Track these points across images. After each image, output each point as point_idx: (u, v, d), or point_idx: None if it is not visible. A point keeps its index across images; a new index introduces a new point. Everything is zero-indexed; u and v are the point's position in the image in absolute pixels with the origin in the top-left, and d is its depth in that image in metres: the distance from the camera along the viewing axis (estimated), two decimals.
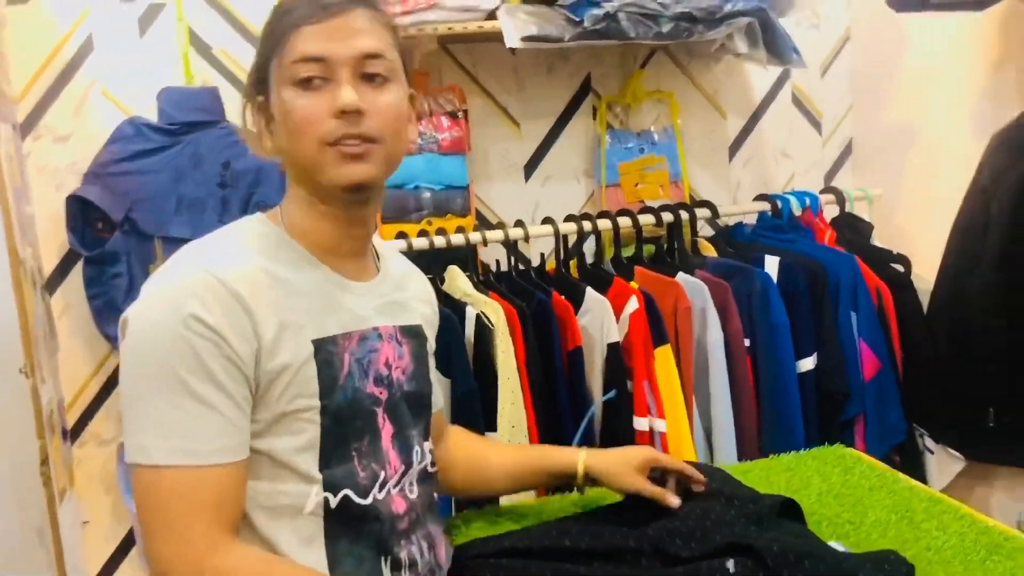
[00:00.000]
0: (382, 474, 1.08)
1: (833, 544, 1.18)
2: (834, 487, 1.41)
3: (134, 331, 0.99)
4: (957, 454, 2.27)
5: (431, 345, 1.23)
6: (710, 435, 2.11)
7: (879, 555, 1.13)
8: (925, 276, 2.29)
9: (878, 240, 2.40)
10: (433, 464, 1.19)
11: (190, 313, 0.96)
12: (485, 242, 2.14)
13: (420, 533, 1.13)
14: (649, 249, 2.30)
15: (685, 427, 2.06)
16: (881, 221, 2.45)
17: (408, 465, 1.13)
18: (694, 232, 2.33)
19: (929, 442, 2.30)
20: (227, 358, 0.97)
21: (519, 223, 2.21)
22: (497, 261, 2.23)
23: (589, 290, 2.06)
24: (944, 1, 1.95)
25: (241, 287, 0.99)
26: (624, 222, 2.21)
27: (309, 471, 1.03)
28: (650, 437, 2.02)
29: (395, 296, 1.17)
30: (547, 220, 2.20)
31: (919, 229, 2.41)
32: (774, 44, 2.19)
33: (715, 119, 2.58)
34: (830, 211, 2.42)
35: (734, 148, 2.61)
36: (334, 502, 1.04)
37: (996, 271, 2.08)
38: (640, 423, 2.03)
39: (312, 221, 1.09)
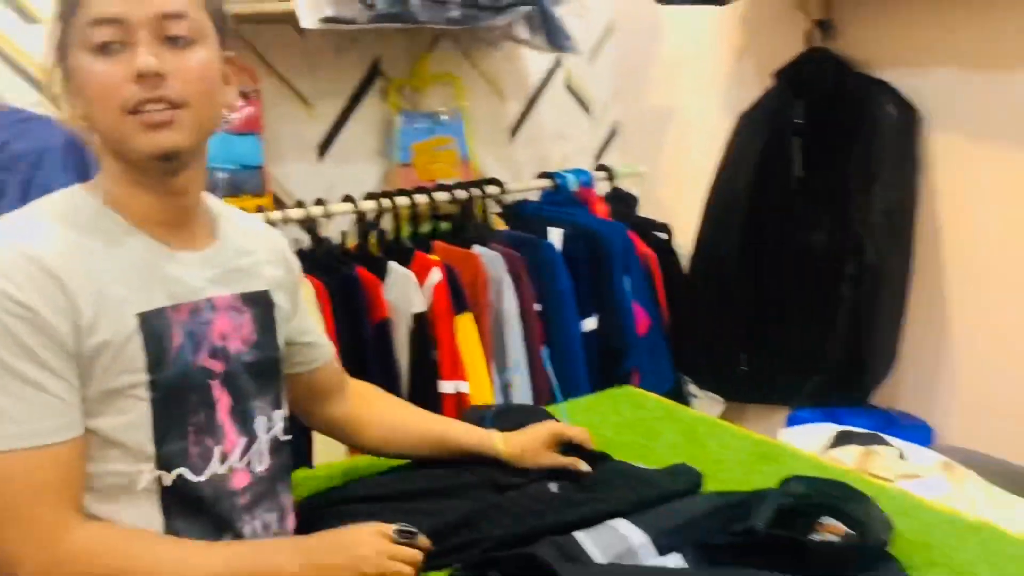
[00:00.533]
0: (217, 449, 1.05)
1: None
2: (628, 420, 1.61)
3: None
4: (717, 397, 2.59)
5: (284, 308, 1.18)
6: (508, 393, 2.27)
7: (674, 467, 1.34)
8: (684, 242, 2.58)
9: (644, 211, 2.66)
10: (286, 432, 1.16)
11: (1, 292, 0.93)
12: (286, 220, 2.18)
13: (267, 506, 1.11)
14: (444, 225, 2.43)
15: (486, 386, 2.21)
16: (646, 194, 2.73)
17: (251, 437, 1.10)
18: (484, 208, 2.48)
19: (693, 388, 2.61)
20: (46, 335, 0.94)
21: (319, 201, 2.26)
22: (296, 240, 2.27)
23: (393, 264, 2.16)
24: None
25: (53, 262, 0.96)
26: (421, 199, 2.32)
27: (141, 448, 1.00)
28: (455, 398, 2.16)
29: (237, 263, 1.12)
30: (347, 198, 2.27)
31: (679, 200, 2.70)
32: (550, 32, 2.38)
33: (496, 102, 2.74)
34: (602, 187, 2.66)
35: (514, 129, 2.79)
36: (168, 480, 1.02)
37: (743, 235, 2.40)
38: (445, 386, 2.16)
39: (128, 191, 1.04)
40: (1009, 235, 1.97)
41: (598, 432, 1.44)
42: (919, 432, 2.12)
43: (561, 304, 2.33)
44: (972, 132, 2.00)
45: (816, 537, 1.12)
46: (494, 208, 2.57)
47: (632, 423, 1.60)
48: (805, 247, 2.25)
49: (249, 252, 1.15)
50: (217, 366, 1.07)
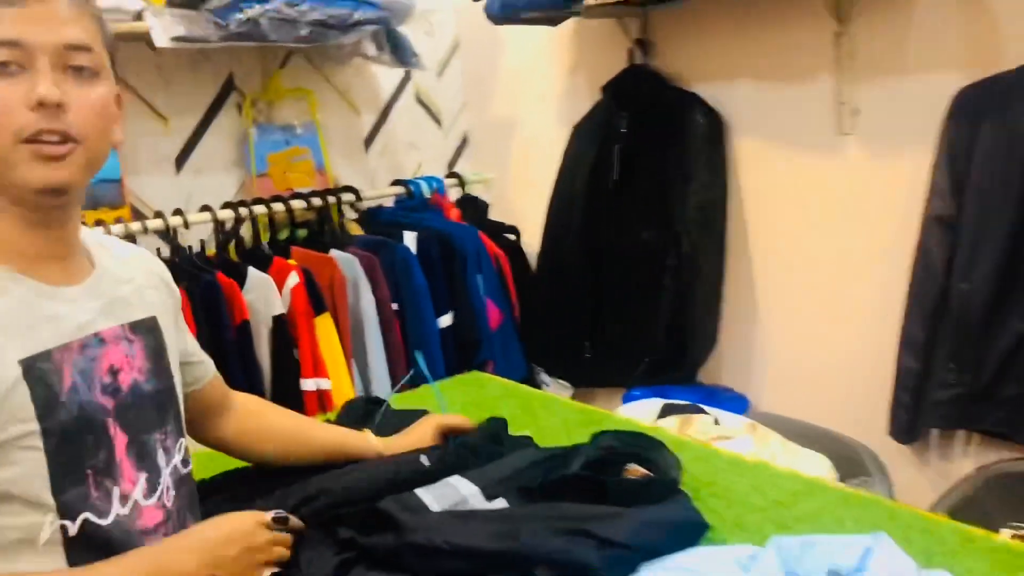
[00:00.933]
0: (116, 489, 1.01)
1: None
2: (473, 399, 1.79)
3: None
4: (566, 383, 2.80)
5: (171, 332, 1.15)
6: (368, 387, 2.42)
7: (516, 439, 1.52)
8: (531, 243, 2.79)
9: (494, 215, 2.86)
10: (186, 463, 1.14)
11: None
12: (146, 230, 2.26)
13: None
14: (302, 232, 2.55)
15: (347, 382, 2.35)
16: (495, 199, 2.93)
17: (152, 472, 1.06)
18: (341, 215, 2.62)
19: (544, 376, 2.82)
20: None
21: (178, 212, 2.35)
22: (159, 249, 2.35)
23: (251, 269, 2.27)
24: (528, 16, 2.42)
25: None
26: (278, 207, 2.45)
27: (39, 498, 0.94)
28: (316, 395, 2.29)
29: (118, 292, 1.08)
30: (205, 208, 2.37)
31: (525, 204, 2.91)
32: (397, 49, 2.55)
33: (350, 114, 2.89)
34: (454, 193, 2.84)
35: (369, 140, 2.95)
36: (73, 529, 0.96)
37: (581, 235, 2.62)
38: (307, 384, 2.29)
39: (3, 226, 0.98)
40: (802, 225, 2.26)
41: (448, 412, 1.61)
42: (736, 403, 2.39)
43: (417, 302, 2.50)
44: (769, 136, 2.29)
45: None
46: (351, 215, 2.72)
47: (477, 401, 1.78)
48: (634, 243, 2.49)
49: (128, 279, 1.11)
50: (110, 402, 1.02)
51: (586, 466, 1.32)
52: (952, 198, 1.89)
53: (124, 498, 1.02)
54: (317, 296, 2.32)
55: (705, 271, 2.37)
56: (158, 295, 1.16)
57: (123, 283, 1.10)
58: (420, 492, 1.27)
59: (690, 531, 1.18)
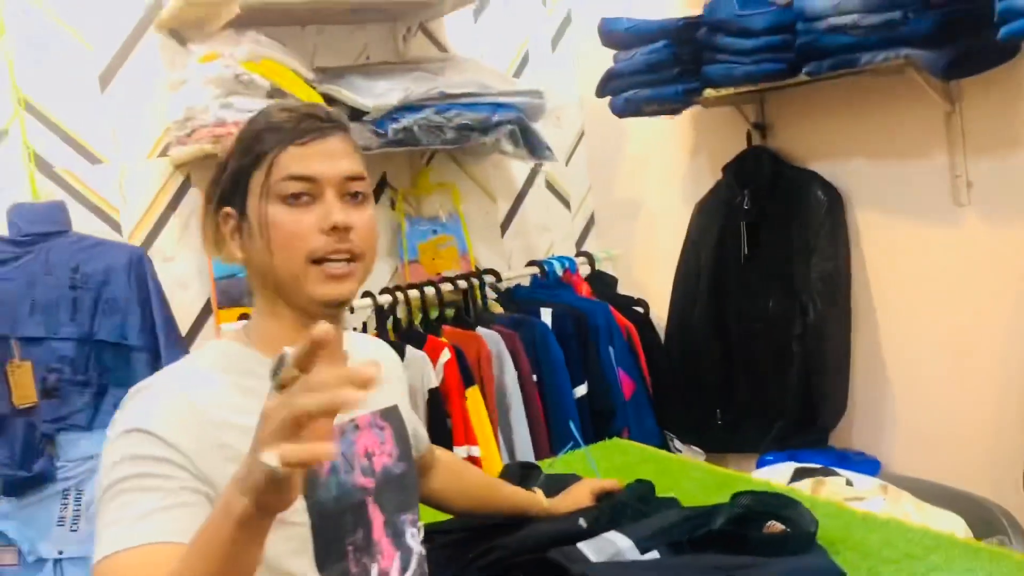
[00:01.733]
0: (375, 567, 1.09)
1: None
2: (615, 464, 1.96)
3: None
4: (698, 449, 2.92)
5: (410, 418, 1.26)
6: (513, 453, 2.61)
7: (662, 499, 1.67)
8: (659, 315, 2.96)
9: (622, 289, 3.05)
10: (422, 544, 1.21)
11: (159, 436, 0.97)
12: None
13: None
14: (449, 312, 2.80)
15: (494, 449, 2.55)
16: (623, 275, 3.12)
17: (405, 551, 1.15)
18: (484, 295, 2.86)
19: (677, 443, 2.95)
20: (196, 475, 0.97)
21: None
22: None
23: (409, 347, 2.52)
24: (649, 109, 2.63)
25: (203, 404, 1.01)
26: (429, 290, 2.70)
27: (304, 573, 1.03)
28: (468, 461, 2.50)
29: None
30: (367, 294, 2.64)
31: (651, 279, 3.09)
32: (531, 144, 2.81)
33: (488, 203, 3.15)
34: (584, 270, 3.05)
35: (505, 225, 3.20)
36: None
37: (708, 306, 2.78)
38: (459, 451, 2.50)
39: (283, 333, 1.08)
40: (924, 292, 2.35)
41: (592, 474, 1.78)
42: (868, 465, 2.46)
43: (554, 373, 2.69)
44: (886, 209, 2.41)
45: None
46: (491, 295, 2.95)
47: (619, 466, 1.94)
48: (760, 313, 2.62)
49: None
50: (369, 483, 1.11)
51: (728, 522, 1.47)
52: None
53: (384, 574, 1.11)
54: (467, 370, 2.55)
55: (832, 338, 2.48)
56: (398, 384, 1.29)
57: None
58: (581, 545, 1.44)
59: None
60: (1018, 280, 2.10)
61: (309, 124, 1.08)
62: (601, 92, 2.72)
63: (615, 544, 1.45)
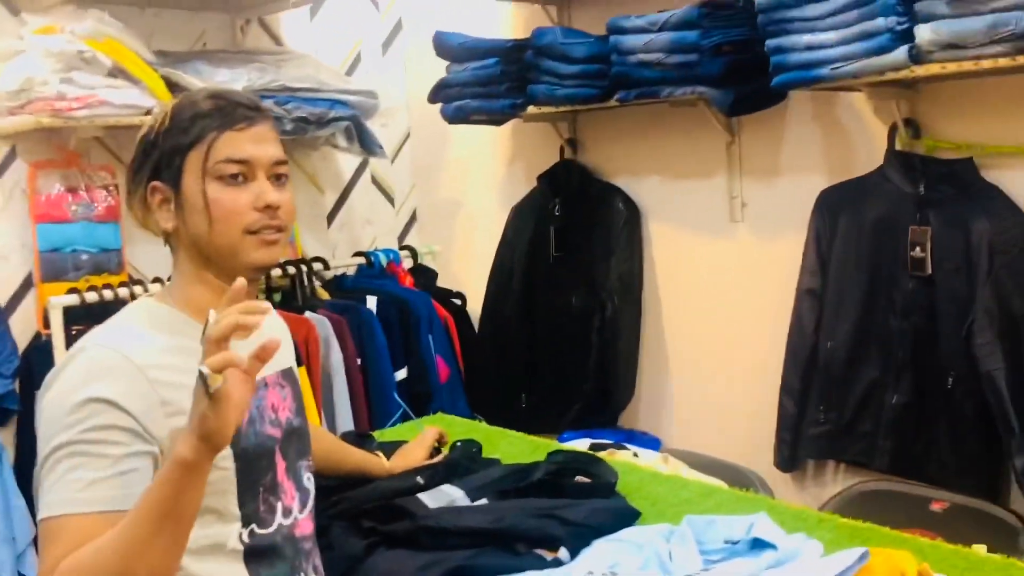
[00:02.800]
0: (279, 504, 1.27)
1: None
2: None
3: None
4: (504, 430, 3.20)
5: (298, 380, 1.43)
6: (335, 431, 2.78)
7: (487, 459, 1.92)
8: (475, 307, 3.22)
9: (442, 282, 3.29)
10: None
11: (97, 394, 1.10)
12: (140, 294, 2.60)
13: (316, 552, 1.37)
14: (276, 296, 2.92)
15: (317, 425, 2.71)
16: (443, 269, 3.36)
17: (303, 492, 1.34)
18: (311, 281, 3.01)
19: (484, 425, 3.21)
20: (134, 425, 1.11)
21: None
22: None
23: None
24: (477, 118, 2.89)
25: (142, 362, 1.14)
26: None
27: (228, 509, 1.19)
28: None
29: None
30: None
31: (468, 274, 3.35)
32: (365, 141, 2.99)
33: (316, 194, 3.29)
34: (407, 263, 3.26)
35: (331, 217, 3.35)
36: (247, 535, 1.21)
37: (519, 301, 3.07)
38: None
39: (207, 297, 1.21)
40: (703, 294, 2.76)
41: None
42: (652, 443, 2.83)
43: (378, 357, 2.89)
44: (675, 221, 2.79)
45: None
46: (318, 282, 3.10)
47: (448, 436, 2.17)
48: (565, 308, 2.94)
49: (274, 336, 1.25)
50: (277, 433, 1.28)
51: (546, 475, 1.73)
52: (819, 274, 2.41)
53: (287, 512, 1.29)
54: (295, 351, 2.69)
55: (625, 331, 2.84)
56: (289, 348, 1.44)
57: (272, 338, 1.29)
58: (421, 496, 1.66)
59: (628, 516, 1.61)
60: (780, 286, 2.52)
61: (243, 112, 1.23)
62: (433, 98, 2.94)
63: (449, 495, 1.68)
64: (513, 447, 2.07)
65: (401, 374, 2.96)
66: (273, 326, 1.40)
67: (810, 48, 2.05)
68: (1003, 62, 1.79)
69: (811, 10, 2.04)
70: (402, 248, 3.30)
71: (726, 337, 2.71)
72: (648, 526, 1.57)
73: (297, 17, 3.21)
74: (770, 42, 2.14)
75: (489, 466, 1.89)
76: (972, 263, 2.12)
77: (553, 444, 2.14)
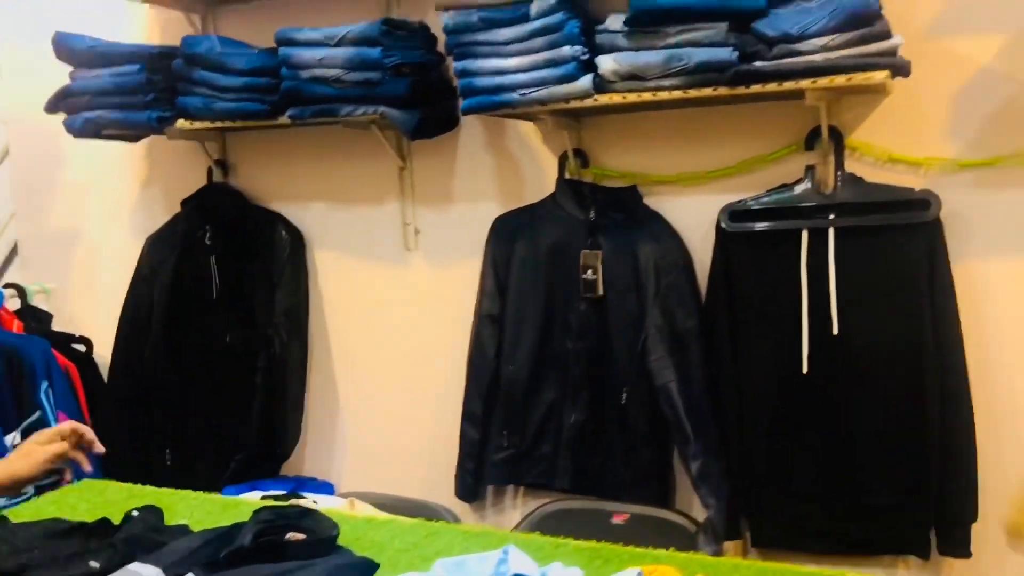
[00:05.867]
0: None
1: None
2: (99, 504, 1.81)
3: None
4: None
5: None
6: None
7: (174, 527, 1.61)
8: (102, 353, 2.77)
9: (57, 326, 2.79)
10: None
11: None
12: None
13: None
14: None
15: None
16: (58, 310, 2.85)
17: None
18: None
19: None
20: None
21: None
22: None
23: None
24: (111, 133, 2.50)
25: None
26: None
27: None
28: None
29: None
30: None
31: (92, 315, 2.88)
32: None
33: None
34: (12, 304, 2.72)
35: None
36: None
37: (161, 342, 2.69)
38: None
39: None
40: (377, 325, 2.63)
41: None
42: (324, 488, 2.64)
43: None
44: (346, 250, 2.65)
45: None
46: None
47: (107, 504, 1.80)
48: (220, 347, 2.64)
49: None
50: None
51: (255, 537, 1.48)
52: (497, 300, 2.41)
53: None
54: None
55: (293, 370, 2.61)
56: None
57: None
58: None
59: (367, 570, 1.43)
60: (457, 313, 2.48)
61: None
62: (52, 108, 2.49)
63: (141, 574, 1.37)
64: (199, 510, 1.78)
65: (12, 438, 2.44)
66: None
67: (499, 73, 2.05)
68: (677, 94, 1.93)
69: (499, 35, 2.04)
70: (6, 287, 2.75)
71: (405, 369, 2.62)
72: None
73: None
74: (457, 64, 2.11)
75: (180, 535, 1.58)
76: (640, 284, 2.25)
77: (246, 502, 1.87)
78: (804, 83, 1.78)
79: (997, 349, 1.99)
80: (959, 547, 1.93)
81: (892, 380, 1.96)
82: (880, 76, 1.78)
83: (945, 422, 1.93)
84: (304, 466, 2.75)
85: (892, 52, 1.78)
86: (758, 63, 1.79)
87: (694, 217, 2.23)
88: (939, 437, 1.92)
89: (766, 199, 2.08)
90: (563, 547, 1.54)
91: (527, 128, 2.41)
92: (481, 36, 2.05)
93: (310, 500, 2.31)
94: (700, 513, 2.24)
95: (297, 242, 2.62)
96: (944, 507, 1.94)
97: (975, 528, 1.96)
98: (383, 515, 2.20)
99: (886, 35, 1.78)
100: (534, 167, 2.43)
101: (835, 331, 2.00)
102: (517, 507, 2.53)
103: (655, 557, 1.45)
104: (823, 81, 1.76)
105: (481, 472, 2.47)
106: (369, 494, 2.47)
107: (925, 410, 1.92)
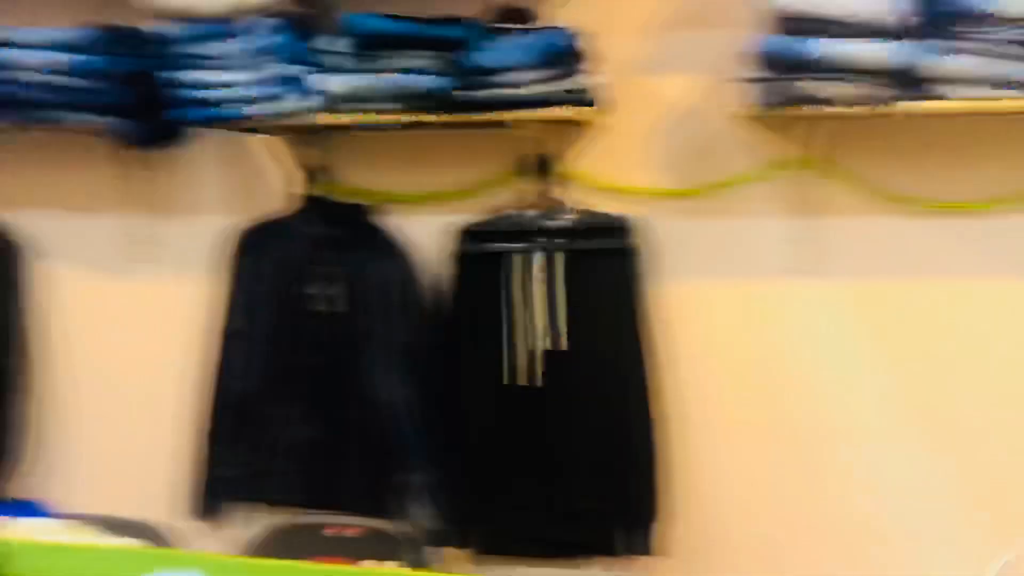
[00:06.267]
0: None
1: None
2: None
3: None
4: None
5: None
6: None
7: None
8: None
9: None
10: None
11: None
12: None
13: None
14: None
15: None
16: None
17: None
18: None
19: None
20: None
21: None
22: None
23: None
24: None
25: None
26: None
27: None
28: None
29: None
30: None
31: None
32: None
33: None
34: None
35: None
36: None
37: None
38: None
39: None
40: (105, 345, 2.52)
41: None
42: (38, 512, 2.50)
43: None
44: (65, 260, 2.53)
45: None
46: None
47: None
48: None
49: None
50: None
51: None
52: (231, 314, 2.38)
53: None
54: None
55: (11, 387, 2.46)
56: None
57: None
58: None
59: None
60: (187, 329, 2.42)
61: None
62: None
63: None
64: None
65: None
66: None
67: (226, 86, 2.04)
68: (404, 117, 2.00)
69: (224, 48, 2.04)
70: None
71: (132, 385, 2.53)
72: None
73: None
74: (181, 76, 2.08)
75: None
76: (368, 300, 2.31)
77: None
78: (507, 115, 1.90)
79: (688, 366, 2.19)
80: (643, 546, 2.11)
81: (596, 394, 2.13)
82: (583, 111, 1.93)
83: (633, 432, 2.11)
84: (32, 488, 2.60)
85: (588, 89, 1.94)
86: (462, 93, 1.90)
87: (426, 236, 2.31)
88: (630, 446, 2.09)
89: (489, 221, 2.20)
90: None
91: (264, 143, 2.40)
92: (206, 48, 2.04)
93: (26, 526, 2.19)
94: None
95: (7, 253, 2.48)
96: (630, 509, 2.11)
97: (670, 528, 2.15)
98: (87, 541, 2.11)
99: (587, 73, 1.94)
100: (268, 181, 2.43)
101: (564, 347, 2.14)
102: (252, 524, 2.50)
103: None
104: (524, 113, 1.89)
105: (217, 489, 2.43)
106: (93, 516, 2.37)
107: (622, 422, 2.10)
